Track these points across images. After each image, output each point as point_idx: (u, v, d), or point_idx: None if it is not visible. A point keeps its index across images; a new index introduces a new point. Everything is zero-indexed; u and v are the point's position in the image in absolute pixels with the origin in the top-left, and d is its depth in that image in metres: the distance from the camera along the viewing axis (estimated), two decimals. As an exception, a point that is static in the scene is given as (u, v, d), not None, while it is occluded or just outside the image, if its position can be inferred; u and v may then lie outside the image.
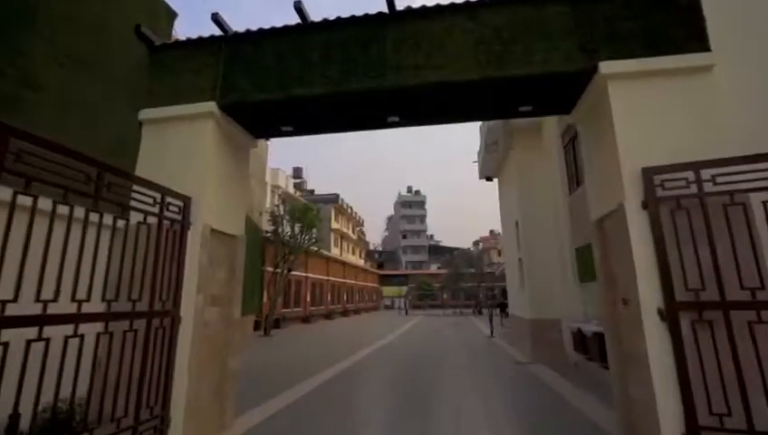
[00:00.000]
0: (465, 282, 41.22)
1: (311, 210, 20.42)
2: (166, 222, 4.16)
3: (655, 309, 3.52)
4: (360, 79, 4.55)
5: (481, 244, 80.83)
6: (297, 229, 20.17)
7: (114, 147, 4.64)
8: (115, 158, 3.98)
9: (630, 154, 3.85)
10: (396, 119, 5.25)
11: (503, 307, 24.43)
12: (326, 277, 32.35)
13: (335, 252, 37.44)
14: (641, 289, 3.57)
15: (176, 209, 4.32)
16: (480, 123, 13.42)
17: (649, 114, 3.94)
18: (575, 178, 9.49)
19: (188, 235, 4.47)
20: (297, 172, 41.72)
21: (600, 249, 4.53)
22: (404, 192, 76.50)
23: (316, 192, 43.62)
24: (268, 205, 23.61)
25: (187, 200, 4.48)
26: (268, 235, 20.66)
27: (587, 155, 5.05)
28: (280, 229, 19.88)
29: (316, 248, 23.02)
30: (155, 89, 5.13)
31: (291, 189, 31.11)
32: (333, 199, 39.62)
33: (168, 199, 4.21)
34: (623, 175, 3.82)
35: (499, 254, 74.02)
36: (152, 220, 3.99)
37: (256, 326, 19.17)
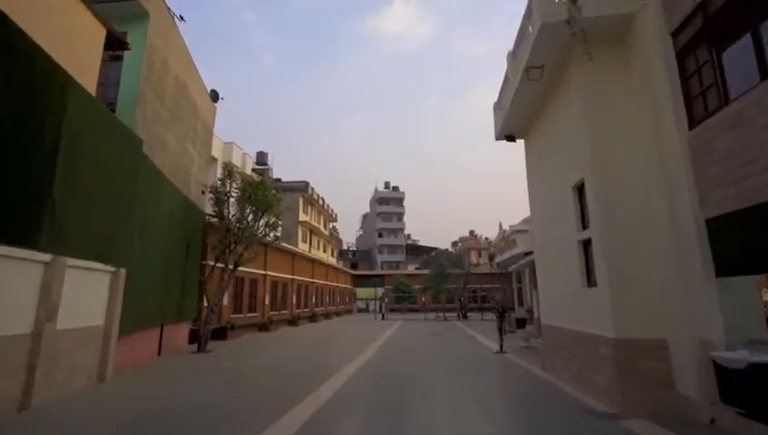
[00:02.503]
0: (449, 283, 37.33)
1: (267, 188, 15.74)
2: None
3: None
4: None
5: (460, 244, 77.84)
6: (249, 212, 15.45)
7: None
8: None
9: None
10: None
11: (501, 313, 20.54)
12: (291, 276, 27.57)
13: (303, 248, 32.66)
14: None
15: None
16: (510, 51, 9.27)
17: None
18: (703, 100, 5.45)
19: None
20: (261, 158, 36.65)
21: None
22: (381, 188, 72.26)
23: (284, 180, 38.60)
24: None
25: None
26: (213, 218, 15.84)
27: None
28: (225, 211, 15.10)
29: (277, 238, 18.29)
30: None
31: (249, 172, 26.14)
32: (302, 188, 34.78)
33: None
34: None
35: (479, 255, 71.09)
36: None
37: (194, 338, 14.29)
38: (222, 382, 8.33)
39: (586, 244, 7.15)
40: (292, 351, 14.17)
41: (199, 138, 16.86)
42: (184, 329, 14.90)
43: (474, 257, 64.11)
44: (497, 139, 11.32)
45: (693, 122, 5.59)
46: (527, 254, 13.92)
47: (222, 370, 10.00)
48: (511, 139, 11.09)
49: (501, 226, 37.59)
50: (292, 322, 26.24)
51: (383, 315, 35.36)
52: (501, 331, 13.43)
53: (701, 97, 5.52)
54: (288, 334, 20.39)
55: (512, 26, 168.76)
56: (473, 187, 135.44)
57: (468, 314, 35.35)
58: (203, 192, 17.23)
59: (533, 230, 10.17)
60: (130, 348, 10.08)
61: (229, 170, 15.32)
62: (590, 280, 7.03)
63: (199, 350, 13.17)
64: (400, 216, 70.69)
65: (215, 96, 19.35)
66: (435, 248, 76.60)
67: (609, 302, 6.08)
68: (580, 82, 6.91)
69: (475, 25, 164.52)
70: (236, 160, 23.90)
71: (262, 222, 16.15)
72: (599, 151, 6.54)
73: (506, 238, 21.59)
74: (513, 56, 9.11)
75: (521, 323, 20.99)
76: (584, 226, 7.24)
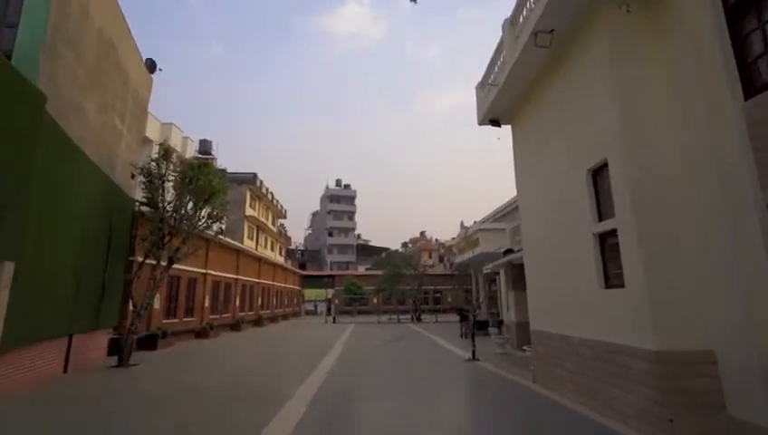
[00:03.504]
0: (403, 284, 36.33)
1: (212, 173, 13.52)
2: None
3: None
4: None
5: (410, 245, 77.70)
6: (189, 200, 13.17)
7: None
8: None
9: None
10: None
11: (464, 315, 19.78)
12: (235, 276, 25.01)
13: (249, 245, 30.04)
14: None
15: None
16: (507, 18, 8.15)
17: None
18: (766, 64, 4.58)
19: None
20: (205, 146, 33.37)
21: None
22: (332, 185, 70.09)
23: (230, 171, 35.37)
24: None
25: None
26: (144, 206, 13.35)
27: None
28: (159, 198, 12.72)
29: (221, 231, 16.01)
30: None
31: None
32: (250, 180, 32.03)
33: None
34: None
35: (429, 256, 71.24)
36: None
37: (116, 349, 11.74)
38: (133, 413, 6.33)
39: (604, 237, 6.14)
40: (233, 363, 12.14)
41: (130, 111, 14.24)
42: (102, 338, 12.32)
43: (425, 259, 64.08)
44: (480, 123, 10.23)
45: (751, 90, 4.70)
46: (507, 252, 13.04)
47: (139, 393, 7.88)
48: (495, 123, 10.04)
49: (462, 224, 37.19)
50: (235, 326, 23.74)
51: (334, 318, 33.57)
52: (472, 336, 12.36)
53: (763, 60, 4.65)
54: (230, 342, 18.06)
55: (463, 31, 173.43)
56: (424, 188, 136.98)
57: (422, 317, 34.60)
58: (132, 175, 14.59)
59: (523, 225, 9.17)
60: (19, 366, 7.69)
61: (166, 150, 12.94)
62: (608, 280, 6.03)
63: (120, 364, 10.77)
64: (352, 214, 69.01)
65: (151, 66, 16.65)
66: (386, 249, 75.76)
67: (646, 306, 5.06)
68: (608, 45, 5.88)
69: (425, 29, 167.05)
70: (176, 144, 21.06)
71: (204, 212, 13.91)
72: (630, 126, 5.52)
73: (468, 238, 20.83)
74: (510, 24, 8.00)
75: (481, 326, 20.39)
76: (600, 216, 6.24)
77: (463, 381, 9.17)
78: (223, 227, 15.74)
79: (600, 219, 6.23)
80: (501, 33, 8.44)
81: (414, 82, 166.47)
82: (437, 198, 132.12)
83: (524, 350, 9.07)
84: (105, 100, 12.12)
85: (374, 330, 25.02)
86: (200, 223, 13.88)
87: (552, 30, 6.65)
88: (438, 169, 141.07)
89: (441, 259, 67.66)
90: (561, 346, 7.24)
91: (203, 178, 13.05)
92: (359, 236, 72.54)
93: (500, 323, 19.05)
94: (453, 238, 76.92)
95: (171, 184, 13.17)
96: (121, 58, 13.15)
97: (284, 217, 42.90)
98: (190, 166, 13.18)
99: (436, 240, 75.51)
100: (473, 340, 12.27)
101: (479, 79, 10.25)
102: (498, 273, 20.43)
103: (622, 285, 5.60)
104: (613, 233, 5.89)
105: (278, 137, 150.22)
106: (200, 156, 30.65)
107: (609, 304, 5.87)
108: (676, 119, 5.42)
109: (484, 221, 25.63)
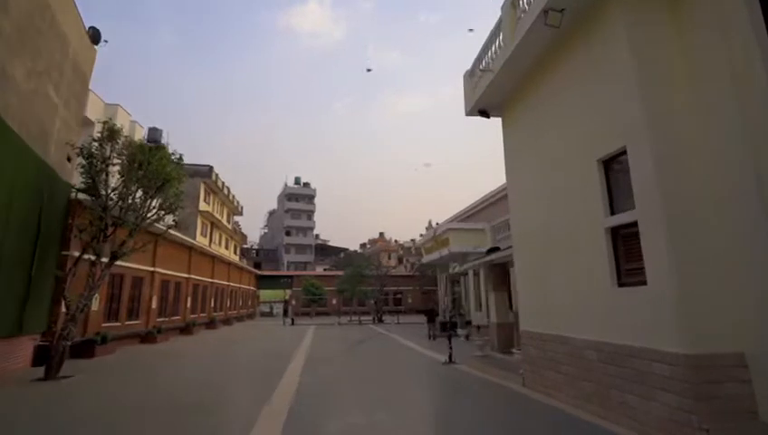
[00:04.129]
0: (365, 285, 35.49)
1: (164, 157, 11.98)
2: None
3: None
4: None
5: (369, 246, 77.03)
6: (137, 188, 11.59)
7: None
8: None
9: None
10: None
11: (431, 316, 19.31)
12: (186, 275, 23.05)
13: (202, 242, 27.98)
14: None
15: None
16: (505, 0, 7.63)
17: None
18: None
19: None
20: (154, 135, 30.60)
21: None
22: (291, 183, 67.86)
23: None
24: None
25: None
26: (82, 193, 11.62)
27: None
28: (101, 184, 11.06)
29: (175, 224, 14.39)
30: None
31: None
32: (205, 173, 29.82)
33: None
34: None
35: (389, 257, 70.91)
36: None
37: (43, 357, 9.97)
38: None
39: (616, 232, 5.73)
40: (184, 373, 10.79)
41: (67, 83, 12.41)
42: (26, 346, 10.53)
43: (384, 260, 63.72)
44: (468, 114, 9.71)
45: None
46: (491, 251, 12.61)
47: (64, 412, 6.51)
48: (484, 114, 9.56)
49: (431, 223, 36.87)
50: (186, 329, 21.83)
51: (292, 320, 32.10)
52: (449, 338, 11.80)
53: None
54: (179, 347, 16.39)
55: (425, 35, 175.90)
56: (383, 190, 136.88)
57: (383, 318, 33.97)
58: (69, 158, 12.73)
59: (513, 221, 8.71)
60: None
61: (111, 129, 11.31)
62: (621, 277, 5.61)
63: (48, 376, 9.12)
64: (311, 213, 67.19)
65: (94, 36, 14.71)
66: (345, 249, 74.61)
67: (672, 305, 4.64)
68: (625, 26, 5.46)
69: (386, 32, 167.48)
70: (123, 128, 18.88)
71: (155, 202, 12.36)
72: (655, 111, 5.11)
73: (437, 237, 20.47)
74: (512, 5, 7.49)
75: (446, 327, 20.04)
76: (613, 210, 5.82)
77: (449, 388, 8.53)
78: (176, 219, 14.14)
79: (613, 212, 5.82)
80: (499, 15, 7.92)
81: (375, 85, 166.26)
82: (397, 200, 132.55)
83: (512, 352, 8.58)
84: (37, 65, 10.37)
85: (336, 332, 24.00)
86: (150, 214, 12.33)
87: (563, 9, 6.19)
88: (397, 171, 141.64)
89: (401, 260, 67.61)
90: (559, 348, 6.78)
91: (155, 162, 11.56)
92: (317, 235, 70.81)
93: (468, 324, 18.81)
94: (412, 240, 77.18)
95: (117, 169, 11.54)
96: (59, 20, 11.38)
97: (240, 213, 40.65)
98: (141, 148, 11.62)
99: (396, 241, 75.42)
100: (449, 342, 11.72)
101: (453, 76, 9.73)
102: (466, 273, 20.22)
103: (640, 283, 5.18)
104: (628, 227, 5.49)
105: (234, 133, 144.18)
106: (149, 145, 28.10)
107: (624, 303, 5.45)
108: (702, 104, 5.08)
109: (450, 221, 25.46)
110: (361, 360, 12.99)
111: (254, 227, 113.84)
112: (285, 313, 44.64)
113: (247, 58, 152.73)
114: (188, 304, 23.32)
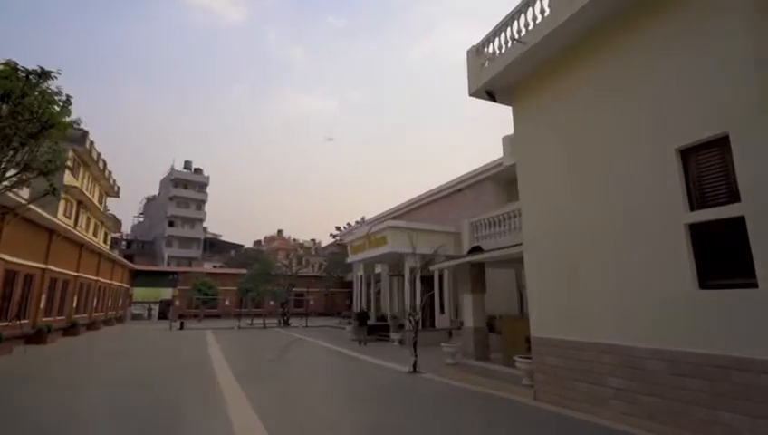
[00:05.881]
0: (273, 285, 32.14)
1: (47, 93, 8.33)
2: None
3: None
4: None
5: (264, 243, 71.83)
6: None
7: None
8: None
9: None
10: None
11: (362, 319, 17.77)
12: (43, 265, 17.60)
13: (66, 223, 21.95)
14: None
15: None
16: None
17: None
18: None
19: None
20: None
21: None
22: (179, 167, 59.52)
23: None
24: None
25: None
26: None
27: None
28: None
29: (54, 190, 10.31)
30: None
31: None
32: (76, 138, 23.48)
33: None
34: None
35: (287, 256, 66.82)
36: None
37: None
38: None
39: (700, 228, 5.10)
40: (30, 422, 7.50)
41: None
42: None
43: (281, 259, 60.09)
44: (473, 95, 8.58)
45: None
46: (474, 250, 11.59)
47: None
48: (491, 97, 8.58)
49: (364, 220, 34.84)
50: (38, 337, 16.52)
51: (182, 324, 27.34)
52: (414, 345, 10.47)
53: None
54: (32, 366, 12.02)
55: (331, 37, 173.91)
56: (281, 186, 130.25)
57: (290, 321, 31.24)
58: None
59: (527, 217, 7.79)
60: None
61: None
62: (705, 279, 4.98)
63: None
64: (201, 203, 59.80)
65: None
66: (239, 245, 68.28)
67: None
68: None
69: (291, 27, 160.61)
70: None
71: (24, 155, 8.62)
72: (771, 93, 4.58)
73: (371, 235, 19.19)
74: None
75: (374, 330, 18.84)
76: (692, 205, 5.20)
77: (440, 406, 7.15)
78: (54, 185, 10.14)
79: (692, 209, 5.19)
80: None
81: (274, 77, 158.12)
82: (298, 200, 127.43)
83: (515, 361, 7.65)
84: None
85: (244, 338, 20.78)
86: (11, 174, 8.58)
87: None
88: (299, 169, 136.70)
89: (300, 260, 64.29)
90: (602, 358, 6.00)
91: (34, 98, 7.97)
92: (206, 229, 63.34)
93: (400, 328, 17.81)
94: (312, 239, 74.35)
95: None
96: None
97: (117, 195, 33.60)
98: (11, 75, 7.87)
99: (295, 240, 71.81)
100: (414, 349, 10.38)
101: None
102: (401, 274, 19.27)
103: (741, 286, 4.57)
104: (718, 223, 4.89)
105: (107, 104, 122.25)
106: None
107: (713, 308, 4.80)
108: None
109: (377, 220, 24.34)
110: (307, 374, 10.85)
111: (125, 214, 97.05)
112: (162, 315, 38.24)
113: (129, 18, 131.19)
114: (42, 304, 17.79)
